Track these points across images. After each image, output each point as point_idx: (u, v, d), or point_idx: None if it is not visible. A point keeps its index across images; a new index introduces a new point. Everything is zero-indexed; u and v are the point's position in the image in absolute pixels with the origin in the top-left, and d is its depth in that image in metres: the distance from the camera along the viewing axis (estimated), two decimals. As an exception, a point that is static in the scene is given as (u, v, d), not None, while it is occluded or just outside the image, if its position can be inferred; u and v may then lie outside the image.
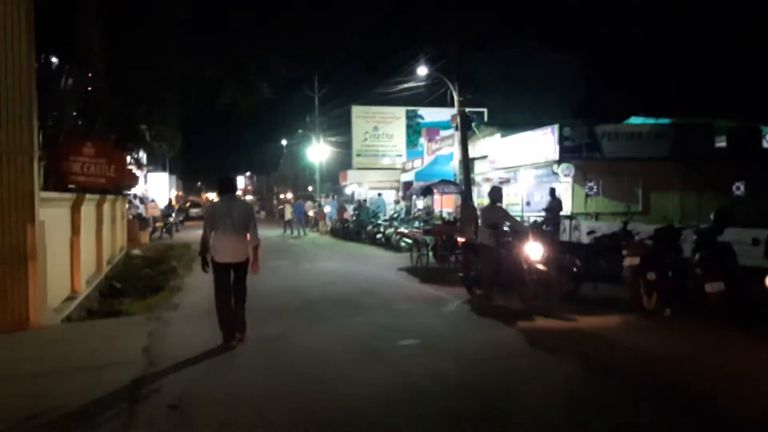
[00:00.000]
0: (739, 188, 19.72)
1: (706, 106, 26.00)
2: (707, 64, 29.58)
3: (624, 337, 7.80)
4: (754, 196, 19.05)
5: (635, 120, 22.33)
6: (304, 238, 27.58)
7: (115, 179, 12.56)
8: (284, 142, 60.85)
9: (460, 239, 14.85)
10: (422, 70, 19.46)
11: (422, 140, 35.01)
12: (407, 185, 32.37)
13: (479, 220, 10.33)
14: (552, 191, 17.70)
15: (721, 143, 20.60)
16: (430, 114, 37.12)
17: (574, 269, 11.22)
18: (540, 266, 9.36)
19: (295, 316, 9.32)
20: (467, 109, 27.04)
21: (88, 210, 12.27)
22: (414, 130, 37.56)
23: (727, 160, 19.60)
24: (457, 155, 27.16)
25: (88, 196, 11.76)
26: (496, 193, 10.51)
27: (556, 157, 18.62)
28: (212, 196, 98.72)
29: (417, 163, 32.74)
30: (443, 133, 31.56)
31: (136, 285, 12.72)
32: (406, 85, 23.25)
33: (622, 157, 18.89)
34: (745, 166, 19.62)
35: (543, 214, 18.60)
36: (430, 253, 15.69)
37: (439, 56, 19.56)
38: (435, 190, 15.19)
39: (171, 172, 47.48)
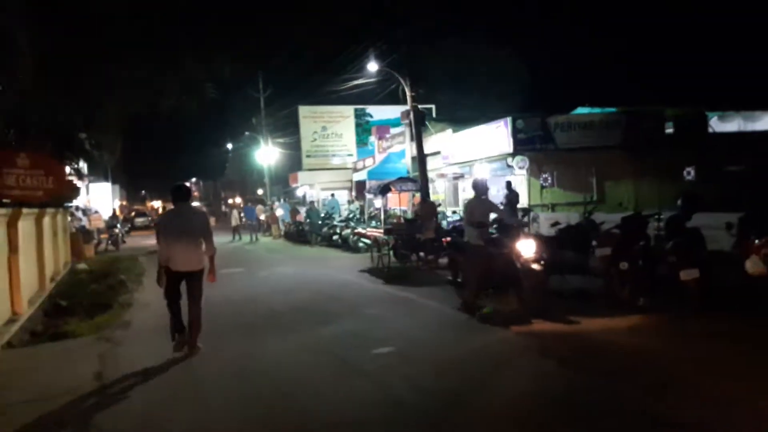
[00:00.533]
0: (689, 173, 19.92)
1: (650, 94, 26.38)
2: (649, 54, 29.98)
3: (628, 340, 7.26)
4: (705, 180, 19.27)
5: (582, 110, 22.40)
6: (257, 244, 26.81)
7: (54, 191, 11.69)
8: (230, 146, 59.55)
9: (445, 238, 14.51)
10: (372, 66, 18.97)
11: (372, 138, 34.57)
12: (360, 185, 31.93)
13: (465, 216, 9.47)
14: (508, 184, 17.51)
15: (669, 130, 20.85)
16: (378, 112, 36.72)
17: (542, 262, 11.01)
18: (535, 265, 8.75)
19: (259, 330, 8.73)
20: (407, 108, 26.93)
21: (26, 225, 11.37)
22: (363, 128, 37.11)
23: (677, 147, 19.79)
24: (410, 152, 26.94)
25: (25, 210, 10.88)
26: (481, 186, 9.38)
27: (510, 149, 18.46)
28: (157, 204, 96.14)
29: (368, 161, 32.30)
30: (393, 130, 31.18)
31: (82, 302, 11.90)
32: (355, 82, 22.72)
33: (575, 147, 18.87)
34: (695, 152, 19.83)
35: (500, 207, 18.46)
36: (391, 253, 15.28)
37: (388, 52, 19.14)
38: (393, 188, 14.74)
39: (114, 182, 45.77)
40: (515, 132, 18.34)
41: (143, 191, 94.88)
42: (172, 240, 7.14)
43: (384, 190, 14.57)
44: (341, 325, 8.64)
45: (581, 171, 19.15)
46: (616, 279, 9.05)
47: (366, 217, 23.62)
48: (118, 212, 34.64)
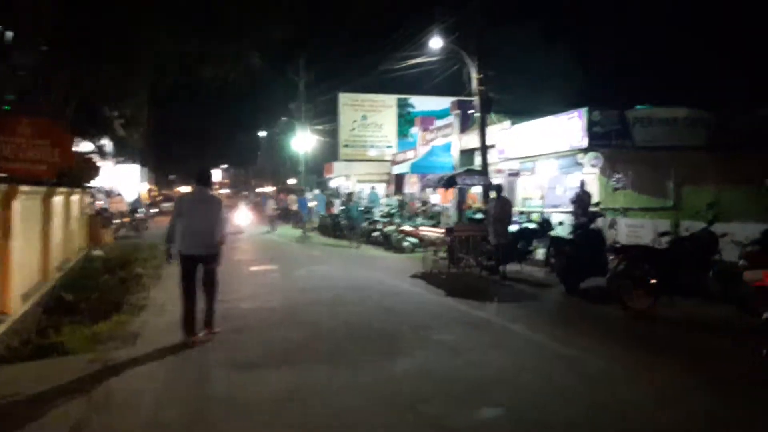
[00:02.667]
0: (773, 181, 17.28)
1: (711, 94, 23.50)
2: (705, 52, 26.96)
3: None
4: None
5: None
6: (293, 236, 24.64)
7: (59, 165, 9.67)
8: (263, 133, 57.63)
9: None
10: (435, 42, 16.54)
11: (414, 130, 32.31)
12: (399, 178, 29.77)
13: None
14: (582, 183, 15.17)
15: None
16: (422, 103, 34.40)
17: (651, 281, 8.75)
18: None
19: (304, 358, 6.59)
20: (458, 99, 24.62)
21: (28, 205, 9.35)
22: (405, 119, 34.81)
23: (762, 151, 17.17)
24: (457, 145, 24.70)
25: (24, 188, 8.87)
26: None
27: (584, 144, 16.04)
28: (185, 189, 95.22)
29: (410, 154, 30.02)
30: (438, 122, 28.95)
31: (90, 298, 9.92)
32: (407, 64, 20.23)
33: (655, 146, 16.39)
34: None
35: (568, 209, 16.12)
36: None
37: (448, 30, 16.81)
38: (458, 181, 12.47)
39: (143, 165, 44.13)
40: (591, 125, 15.93)
41: (173, 176, 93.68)
42: (187, 220, 7.23)
43: (449, 183, 12.35)
44: (413, 359, 6.45)
45: (658, 172, 16.63)
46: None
47: (411, 213, 21.45)
48: (144, 196, 32.87)
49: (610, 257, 9.57)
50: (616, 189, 16.73)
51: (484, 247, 12.81)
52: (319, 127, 35.48)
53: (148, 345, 7.12)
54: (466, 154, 24.67)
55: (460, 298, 9.93)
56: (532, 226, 14.49)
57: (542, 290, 10.93)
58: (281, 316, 8.77)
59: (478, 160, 23.84)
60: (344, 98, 34.36)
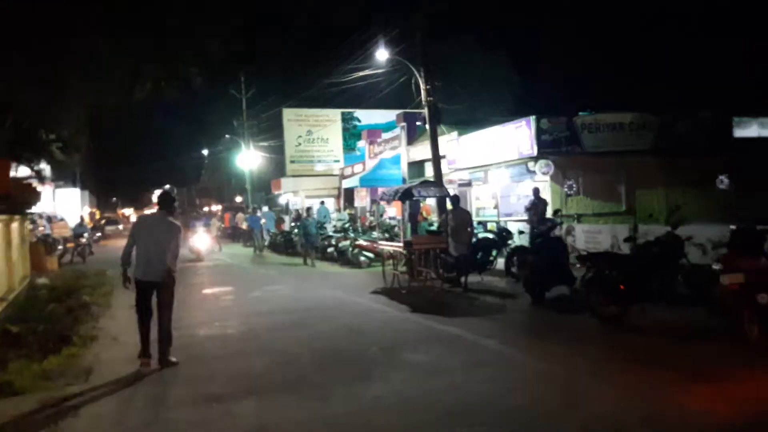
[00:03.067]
0: (722, 182, 17.75)
1: (663, 98, 24.18)
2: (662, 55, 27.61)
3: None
4: (740, 189, 17.09)
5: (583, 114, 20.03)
6: (245, 255, 23.94)
7: (-5, 192, 8.95)
8: (205, 151, 56.29)
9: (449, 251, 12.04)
10: (381, 54, 16.27)
11: (361, 143, 32.03)
12: (349, 192, 29.42)
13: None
14: (536, 191, 15.15)
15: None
16: (367, 116, 34.15)
17: (620, 288, 8.61)
18: None
19: (270, 388, 6.12)
20: (404, 111, 24.48)
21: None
22: (351, 133, 34.45)
23: (706, 153, 17.59)
24: (405, 157, 24.54)
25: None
26: None
27: (533, 152, 16.06)
28: (129, 211, 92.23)
29: (358, 168, 29.71)
30: (385, 135, 28.77)
31: (37, 330, 9.18)
32: (358, 75, 19.85)
33: (603, 151, 16.56)
34: (724, 158, 17.67)
35: (523, 217, 16.09)
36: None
37: (394, 42, 16.60)
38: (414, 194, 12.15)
39: (83, 188, 42.40)
40: (539, 133, 15.97)
41: (114, 198, 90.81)
42: (144, 245, 6.98)
43: (405, 195, 12.05)
44: (388, 383, 6.07)
45: (608, 177, 16.80)
46: (747, 315, 6.70)
47: (358, 227, 21.09)
48: (87, 220, 31.50)
49: (577, 265, 9.43)
50: (568, 195, 16.85)
51: (444, 259, 12.55)
52: (264, 144, 34.82)
53: (101, 381, 6.56)
54: (415, 166, 24.52)
55: (426, 314, 9.60)
56: (490, 236, 14.36)
57: (508, 301, 10.71)
58: (242, 342, 8.25)
59: (428, 172, 23.73)
60: (288, 113, 33.77)
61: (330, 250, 19.11)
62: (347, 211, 25.99)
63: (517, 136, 16.66)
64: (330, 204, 30.23)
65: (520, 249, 12.12)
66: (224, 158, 44.63)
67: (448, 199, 13.24)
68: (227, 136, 37.13)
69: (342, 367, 6.74)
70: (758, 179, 16.97)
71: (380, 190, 24.88)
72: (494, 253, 13.57)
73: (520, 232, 15.33)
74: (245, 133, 34.22)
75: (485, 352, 7.17)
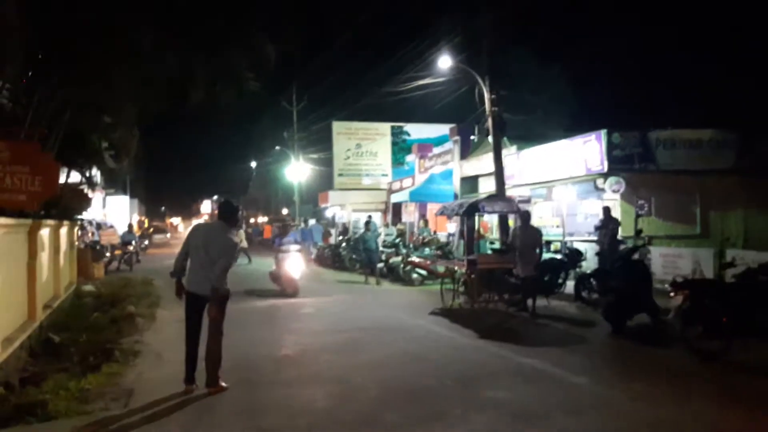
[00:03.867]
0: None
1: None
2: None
3: None
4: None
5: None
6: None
7: (41, 195, 8.34)
8: (254, 163, 56.22)
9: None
10: (444, 62, 15.30)
11: (410, 158, 31.22)
12: (397, 206, 28.58)
13: None
14: (607, 210, 14.01)
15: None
16: (417, 130, 33.38)
17: (724, 320, 7.47)
18: None
19: (331, 426, 5.25)
20: (457, 125, 23.52)
21: (10, 240, 7.97)
22: (400, 147, 33.68)
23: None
24: (458, 172, 23.60)
25: (8, 221, 7.56)
26: None
27: (604, 168, 14.90)
28: (177, 221, 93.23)
29: (407, 182, 28.89)
30: (436, 149, 27.92)
31: (79, 340, 8.76)
32: (412, 85, 18.83)
33: (679, 170, 15.29)
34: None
35: (588, 237, 14.96)
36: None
37: (455, 49, 15.67)
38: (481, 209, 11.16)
39: (132, 196, 42.63)
40: (610, 148, 14.82)
41: (163, 207, 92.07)
42: (193, 253, 6.41)
43: (470, 210, 11.09)
44: (471, 426, 5.11)
45: (683, 197, 15.49)
46: None
47: (419, 243, 20.14)
48: (135, 228, 31.36)
49: (670, 293, 8.30)
50: (639, 215, 15.58)
51: (509, 280, 11.51)
52: (314, 156, 34.26)
53: (143, 404, 5.81)
54: (468, 182, 23.55)
55: (497, 342, 8.59)
56: (558, 256, 13.25)
57: (585, 330, 9.62)
58: (298, 367, 7.36)
59: (482, 188, 22.73)
60: (338, 126, 33.24)
61: (380, 266, 18.18)
62: (397, 226, 25.05)
63: (586, 151, 15.54)
64: (377, 219, 29.39)
65: (599, 272, 10.98)
66: (272, 170, 44.30)
67: (515, 216, 12.22)
68: (277, 147, 36.70)
69: (414, 404, 5.79)
70: None
71: (429, 205, 24.15)
72: (562, 275, 12.46)
73: (597, 254, 14.11)
74: (295, 145, 33.76)
75: (579, 393, 6.12)
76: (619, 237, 14.03)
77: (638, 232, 12.15)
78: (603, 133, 15.03)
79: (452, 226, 20.46)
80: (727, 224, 15.51)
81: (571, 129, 18.52)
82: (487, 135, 14.73)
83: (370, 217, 26.83)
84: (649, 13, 23.87)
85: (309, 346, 8.50)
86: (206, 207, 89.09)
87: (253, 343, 8.61)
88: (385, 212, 30.48)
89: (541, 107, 30.20)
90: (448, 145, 27.23)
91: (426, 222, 22.19)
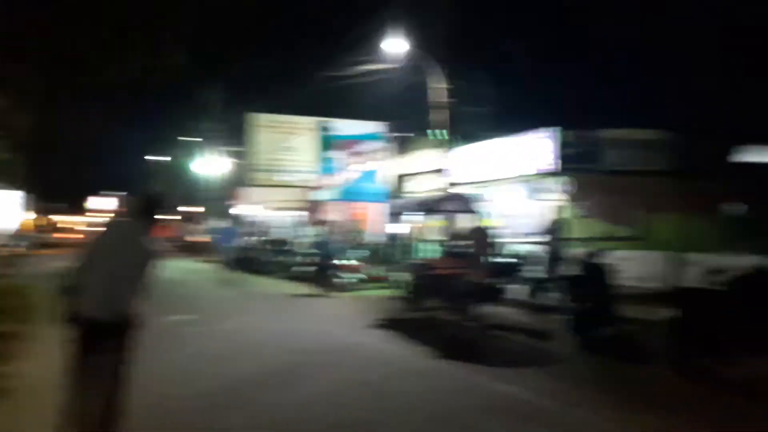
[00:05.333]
0: (738, 208, 15.88)
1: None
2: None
3: None
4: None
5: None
6: (204, 273, 20.89)
7: None
8: (155, 157, 51.83)
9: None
10: (396, 47, 13.55)
11: (337, 154, 29.66)
12: (316, 206, 27.00)
13: None
14: (557, 210, 13.05)
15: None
16: (343, 126, 31.84)
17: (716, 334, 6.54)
18: None
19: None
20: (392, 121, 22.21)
21: None
22: (327, 143, 32.02)
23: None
24: (391, 170, 22.49)
25: None
26: None
27: (556, 167, 14.00)
28: (76, 218, 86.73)
29: (329, 179, 27.36)
30: (365, 146, 26.63)
31: None
32: (356, 71, 17.07)
33: (622, 170, 14.65)
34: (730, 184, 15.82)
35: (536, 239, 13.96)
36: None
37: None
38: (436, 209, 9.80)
39: (28, 191, 38.50)
40: (564, 147, 13.91)
41: (62, 204, 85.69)
42: (101, 265, 4.30)
43: (429, 210, 9.77)
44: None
45: (625, 199, 14.82)
46: None
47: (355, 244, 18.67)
48: (29, 225, 28.12)
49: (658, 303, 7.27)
50: (582, 217, 14.80)
51: (457, 285, 10.21)
52: (232, 149, 31.90)
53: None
54: (403, 180, 22.47)
55: (461, 362, 7.25)
56: (503, 260, 12.15)
57: (548, 343, 8.57)
58: (227, 410, 5.66)
59: (420, 185, 21.51)
60: (256, 118, 31.05)
61: (294, 269, 16.59)
62: (323, 226, 23.44)
63: (536, 149, 14.60)
64: (299, 218, 27.66)
65: (573, 278, 9.72)
66: (177, 164, 41.06)
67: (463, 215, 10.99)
68: (183, 138, 33.71)
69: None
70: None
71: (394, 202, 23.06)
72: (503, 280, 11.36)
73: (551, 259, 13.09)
74: (208, 136, 31.32)
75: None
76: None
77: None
78: (558, 130, 14.13)
79: (399, 227, 18.97)
80: (664, 227, 14.96)
81: (503, 127, 17.49)
82: (435, 129, 13.36)
83: (293, 217, 25.29)
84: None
85: (236, 378, 6.75)
86: (113, 204, 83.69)
87: (166, 378, 6.73)
88: (308, 211, 28.70)
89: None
90: (376, 142, 26.02)
91: (359, 222, 20.82)
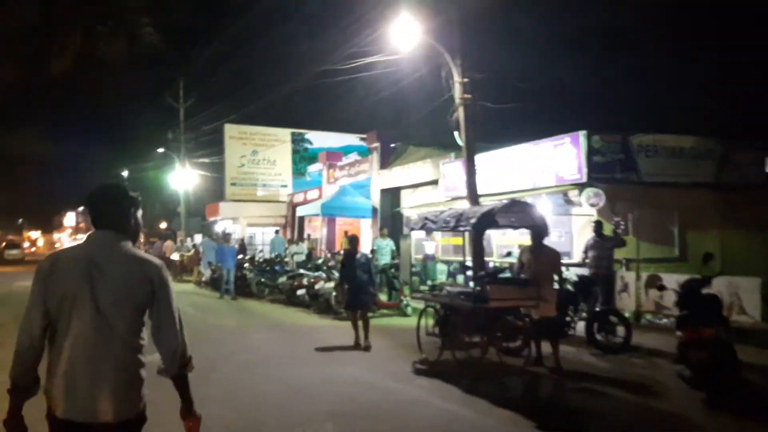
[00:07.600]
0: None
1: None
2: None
3: None
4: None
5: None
6: (193, 298, 18.21)
7: None
8: (125, 172, 49.00)
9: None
10: (408, 38, 11.39)
11: (313, 168, 27.53)
12: (300, 221, 24.77)
13: None
14: (598, 225, 11.05)
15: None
16: (318, 139, 29.78)
17: None
18: None
19: None
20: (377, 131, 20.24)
21: None
22: (301, 156, 29.82)
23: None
24: (377, 183, 20.35)
25: None
26: None
27: (582, 177, 12.10)
28: (36, 235, 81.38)
29: (312, 194, 25.20)
30: (347, 158, 24.60)
31: None
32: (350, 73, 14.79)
33: (660, 182, 12.82)
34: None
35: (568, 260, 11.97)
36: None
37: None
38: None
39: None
40: (590, 153, 12.01)
41: (21, 220, 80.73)
42: (72, 325, 2.33)
43: (484, 224, 7.69)
44: None
45: (662, 214, 12.97)
46: None
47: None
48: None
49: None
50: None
51: (512, 320, 8.11)
52: (204, 161, 29.34)
53: None
54: (389, 194, 20.30)
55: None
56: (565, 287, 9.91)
57: (662, 401, 6.47)
58: None
59: (405, 200, 19.49)
60: (231, 130, 28.72)
61: (300, 292, 14.24)
62: (306, 243, 21.18)
63: (557, 157, 12.67)
64: (271, 233, 25.19)
65: (688, 314, 7.41)
66: (150, 177, 38.28)
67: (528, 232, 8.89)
68: (160, 150, 31.08)
69: None
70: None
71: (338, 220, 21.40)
72: (570, 312, 9.23)
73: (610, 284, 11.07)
74: (182, 148, 28.70)
75: None
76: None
77: (708, 256, 8.25)
78: (582, 135, 12.21)
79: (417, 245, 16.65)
80: (704, 246, 13.01)
81: (523, 131, 15.51)
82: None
83: (277, 231, 22.98)
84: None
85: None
86: (70, 219, 79.40)
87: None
88: (285, 227, 26.38)
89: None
90: (355, 156, 24.18)
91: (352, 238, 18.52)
